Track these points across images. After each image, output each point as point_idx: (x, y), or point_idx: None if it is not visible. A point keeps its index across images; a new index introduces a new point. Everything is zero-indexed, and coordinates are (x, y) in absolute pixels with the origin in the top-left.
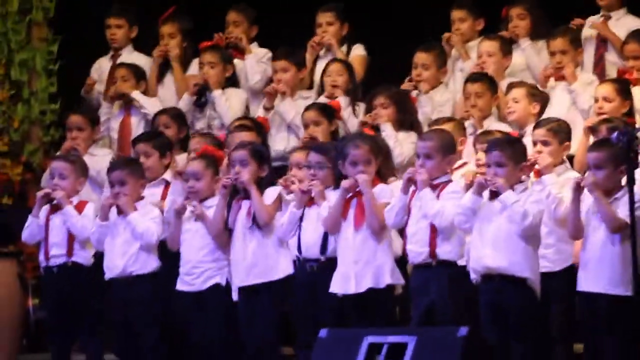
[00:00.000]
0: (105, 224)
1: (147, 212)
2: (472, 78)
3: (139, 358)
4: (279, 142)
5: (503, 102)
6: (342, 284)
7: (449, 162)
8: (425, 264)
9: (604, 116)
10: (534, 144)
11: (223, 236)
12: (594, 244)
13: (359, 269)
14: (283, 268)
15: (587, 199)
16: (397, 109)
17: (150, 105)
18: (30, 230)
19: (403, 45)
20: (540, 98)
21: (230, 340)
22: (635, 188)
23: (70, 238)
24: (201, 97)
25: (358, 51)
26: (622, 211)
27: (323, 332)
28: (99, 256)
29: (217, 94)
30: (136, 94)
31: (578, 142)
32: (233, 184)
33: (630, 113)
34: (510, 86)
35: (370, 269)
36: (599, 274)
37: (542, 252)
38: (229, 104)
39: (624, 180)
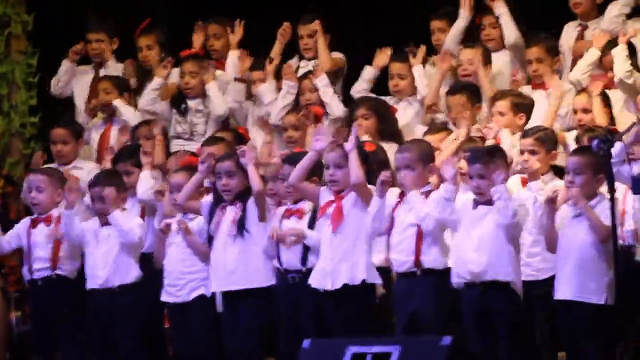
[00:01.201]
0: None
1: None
2: (451, 91)
3: None
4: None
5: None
6: (320, 279)
7: (430, 170)
8: (410, 272)
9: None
10: (522, 152)
11: (205, 252)
12: (568, 252)
13: (334, 265)
14: (265, 277)
15: (561, 209)
16: (378, 120)
17: (131, 115)
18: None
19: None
20: (526, 107)
21: (216, 352)
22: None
23: (55, 251)
24: (181, 104)
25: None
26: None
27: (306, 343)
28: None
29: (211, 86)
30: (117, 102)
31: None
32: (216, 192)
33: (611, 121)
34: (494, 98)
35: (345, 265)
36: (575, 281)
37: (527, 260)
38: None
39: (600, 188)
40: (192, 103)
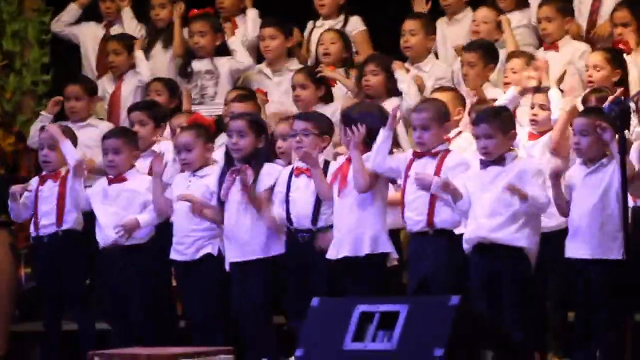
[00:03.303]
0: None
1: (140, 185)
2: (466, 47)
3: (131, 327)
4: None
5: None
6: (331, 249)
7: (445, 130)
8: (423, 232)
9: (593, 85)
10: (532, 106)
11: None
12: (583, 212)
13: (341, 236)
14: (277, 246)
15: (572, 169)
16: (387, 77)
17: (147, 70)
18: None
19: (397, 15)
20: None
21: (224, 310)
22: None
23: (60, 207)
24: (187, 67)
25: (358, 26)
26: (612, 178)
27: (315, 301)
28: (89, 224)
29: (233, 40)
30: (138, 53)
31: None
32: (227, 154)
33: (621, 82)
34: (511, 56)
35: (350, 236)
36: (593, 240)
37: None
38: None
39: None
40: (200, 65)
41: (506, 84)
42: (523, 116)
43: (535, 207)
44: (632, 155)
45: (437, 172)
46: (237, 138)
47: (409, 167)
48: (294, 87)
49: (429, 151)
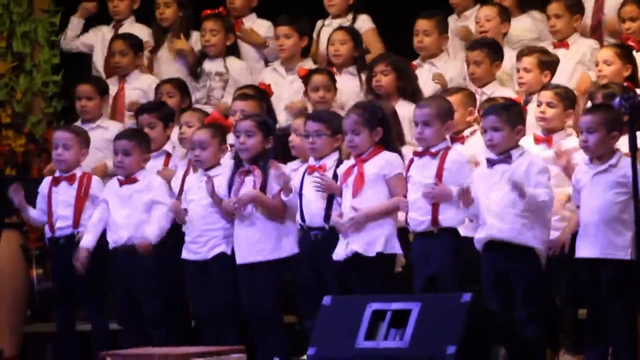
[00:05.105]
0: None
1: (150, 184)
2: (470, 47)
3: (142, 327)
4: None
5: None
6: (339, 249)
7: (448, 128)
8: (427, 232)
9: (604, 81)
10: (539, 104)
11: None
12: (592, 210)
13: (353, 235)
14: (288, 247)
15: (581, 166)
16: (397, 77)
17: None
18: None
19: (405, 13)
20: (551, 64)
21: (236, 309)
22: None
23: (77, 210)
24: (198, 67)
25: (366, 24)
26: (624, 177)
27: (327, 300)
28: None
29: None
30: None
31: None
32: (236, 155)
33: (632, 77)
34: (521, 54)
35: (364, 237)
36: (600, 239)
37: None
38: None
39: (616, 145)
40: (211, 65)
41: (521, 84)
42: (530, 115)
43: (534, 204)
44: None
45: (439, 171)
46: (245, 138)
47: (408, 168)
48: (316, 89)
49: (429, 150)
